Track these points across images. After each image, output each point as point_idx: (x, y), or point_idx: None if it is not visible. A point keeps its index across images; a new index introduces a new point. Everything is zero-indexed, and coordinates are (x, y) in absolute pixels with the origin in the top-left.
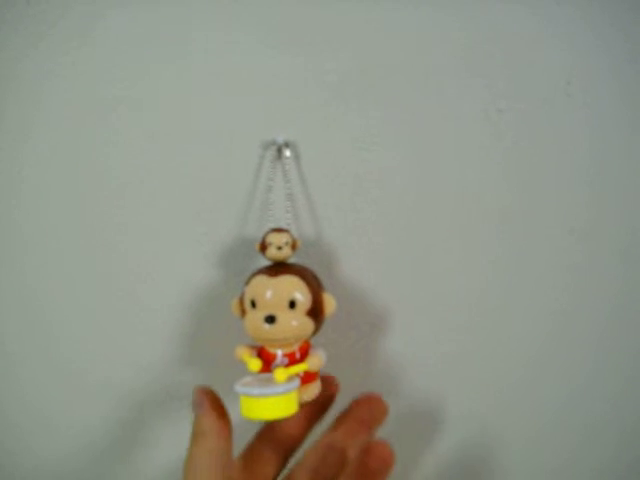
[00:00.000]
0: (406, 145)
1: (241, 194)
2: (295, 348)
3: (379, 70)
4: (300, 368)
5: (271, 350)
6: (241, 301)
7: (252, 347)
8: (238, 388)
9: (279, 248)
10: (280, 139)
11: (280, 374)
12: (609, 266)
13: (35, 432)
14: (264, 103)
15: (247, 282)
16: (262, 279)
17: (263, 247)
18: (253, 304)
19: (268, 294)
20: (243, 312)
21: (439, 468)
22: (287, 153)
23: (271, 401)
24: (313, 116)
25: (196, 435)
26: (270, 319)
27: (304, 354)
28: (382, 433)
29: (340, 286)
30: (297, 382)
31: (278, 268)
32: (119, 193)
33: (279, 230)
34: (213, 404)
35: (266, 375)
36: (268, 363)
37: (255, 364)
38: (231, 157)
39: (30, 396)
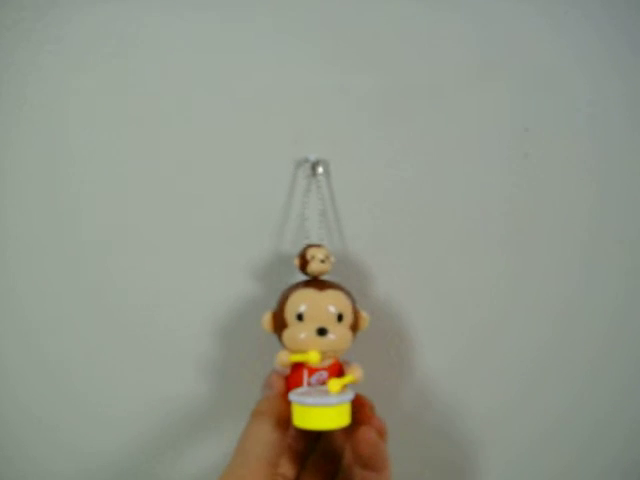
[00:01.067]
0: (434, 162)
1: (275, 211)
2: (330, 362)
3: (409, 89)
4: (349, 379)
5: (311, 364)
6: (275, 316)
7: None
8: (292, 397)
9: (322, 261)
10: (312, 157)
11: (334, 385)
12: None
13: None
14: (296, 122)
15: (286, 296)
16: (309, 292)
17: (304, 262)
18: (300, 317)
19: (318, 307)
20: (278, 327)
21: (443, 465)
22: (320, 170)
23: (325, 411)
24: (343, 135)
25: (256, 413)
26: (322, 331)
27: (339, 368)
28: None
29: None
30: (351, 394)
31: (321, 283)
32: (154, 213)
33: (317, 245)
34: (282, 390)
35: (319, 387)
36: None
37: (315, 356)
38: (265, 175)
39: (45, 420)
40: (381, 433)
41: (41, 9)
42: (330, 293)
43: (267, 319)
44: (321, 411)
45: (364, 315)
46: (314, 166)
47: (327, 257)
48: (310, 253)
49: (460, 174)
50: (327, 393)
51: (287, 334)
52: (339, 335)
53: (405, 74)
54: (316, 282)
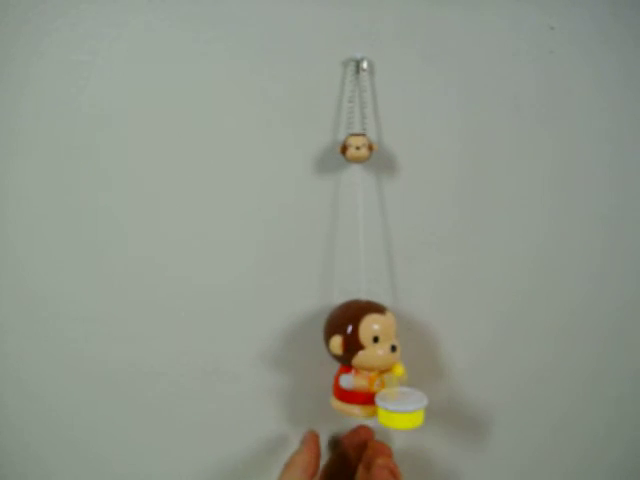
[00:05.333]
0: (469, 60)
1: (330, 105)
2: None
3: None
4: (401, 369)
5: (372, 374)
6: (347, 339)
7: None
8: (379, 402)
9: (357, 148)
10: (358, 55)
11: (398, 368)
12: None
13: None
14: (343, 23)
15: (355, 321)
16: (377, 317)
17: (344, 149)
18: (376, 339)
19: (387, 329)
20: (351, 349)
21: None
22: (364, 65)
23: (404, 416)
24: (386, 35)
25: (288, 464)
26: (394, 348)
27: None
28: None
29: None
30: (425, 401)
31: (377, 306)
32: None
33: (357, 134)
34: (314, 447)
35: (402, 389)
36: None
37: (400, 369)
38: (316, 74)
39: None
40: (395, 475)
41: None
42: (390, 315)
43: (338, 343)
44: (401, 416)
45: None
46: (359, 63)
47: (364, 145)
48: (348, 141)
49: (491, 67)
50: (407, 396)
51: (364, 354)
52: (399, 348)
53: None
54: (373, 306)
